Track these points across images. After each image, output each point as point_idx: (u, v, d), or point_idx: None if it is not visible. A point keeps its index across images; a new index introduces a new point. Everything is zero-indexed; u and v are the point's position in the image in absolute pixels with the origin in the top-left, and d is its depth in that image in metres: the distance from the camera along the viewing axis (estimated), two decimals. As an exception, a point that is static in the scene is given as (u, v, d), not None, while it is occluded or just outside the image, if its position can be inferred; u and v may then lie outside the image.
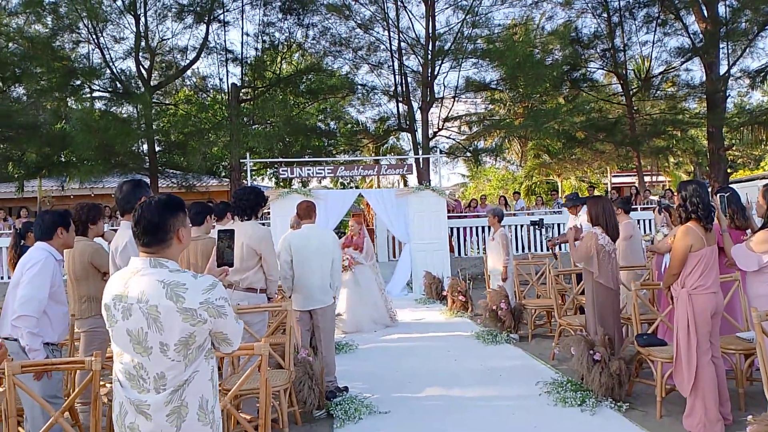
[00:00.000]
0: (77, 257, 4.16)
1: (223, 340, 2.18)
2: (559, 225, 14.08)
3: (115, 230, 4.02)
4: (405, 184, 23.79)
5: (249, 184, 12.03)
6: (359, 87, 18.95)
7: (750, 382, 4.66)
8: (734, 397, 4.41)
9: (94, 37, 15.59)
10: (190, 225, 2.39)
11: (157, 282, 2.08)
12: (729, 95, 17.74)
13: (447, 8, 17.75)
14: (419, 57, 17.61)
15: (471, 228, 14.52)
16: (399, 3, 17.42)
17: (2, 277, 12.83)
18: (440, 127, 18.72)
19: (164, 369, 2.08)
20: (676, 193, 4.33)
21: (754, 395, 4.47)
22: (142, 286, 2.08)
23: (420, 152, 17.13)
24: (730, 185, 15.50)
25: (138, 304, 2.07)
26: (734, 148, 22.26)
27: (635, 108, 18.82)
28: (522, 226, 14.53)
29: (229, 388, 3.89)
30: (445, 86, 18.36)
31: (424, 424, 4.50)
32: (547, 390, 5.09)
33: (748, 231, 5.14)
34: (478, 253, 13.67)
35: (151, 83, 16.46)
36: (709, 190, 4.34)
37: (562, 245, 9.76)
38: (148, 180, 15.57)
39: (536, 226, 7.22)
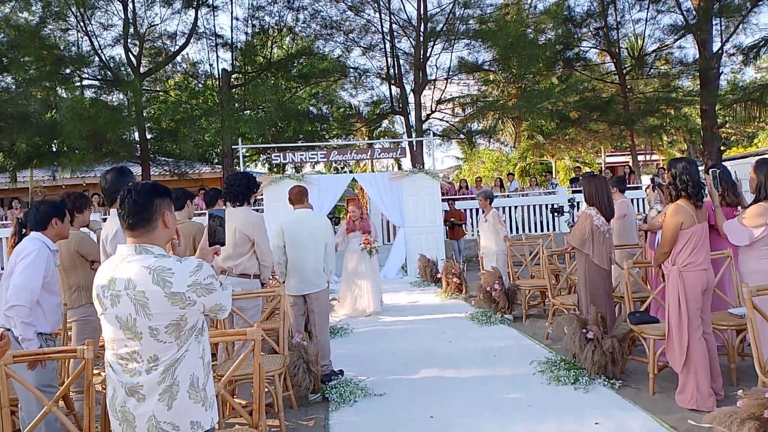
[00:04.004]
0: (64, 247, 4.15)
1: (219, 309, 2.24)
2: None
3: (104, 219, 4.00)
4: (399, 168, 23.68)
5: (241, 170, 11.99)
6: (351, 70, 18.78)
7: (741, 358, 4.71)
8: (726, 373, 4.46)
9: (82, 24, 15.37)
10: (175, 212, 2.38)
11: (144, 268, 2.09)
12: (722, 72, 17.65)
13: (438, -12, 17.59)
14: (411, 39, 17.46)
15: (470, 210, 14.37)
16: (390, -17, 17.24)
17: (2, 268, 12.80)
18: (433, 110, 18.64)
19: (157, 352, 2.11)
20: (666, 171, 4.33)
21: (746, 370, 4.51)
22: (128, 273, 2.10)
23: (413, 135, 17.05)
24: (723, 162, 15.52)
25: (125, 290, 2.09)
26: (727, 126, 22.22)
27: (629, 87, 18.72)
28: (515, 207, 14.52)
29: (223, 373, 3.91)
30: (437, 68, 18.23)
31: (420, 406, 4.53)
32: (541, 369, 5.13)
33: (739, 208, 5.16)
34: (473, 235, 13.68)
35: (141, 70, 16.27)
36: (701, 168, 4.34)
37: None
38: (140, 168, 15.49)
39: (557, 214, 7.31)
